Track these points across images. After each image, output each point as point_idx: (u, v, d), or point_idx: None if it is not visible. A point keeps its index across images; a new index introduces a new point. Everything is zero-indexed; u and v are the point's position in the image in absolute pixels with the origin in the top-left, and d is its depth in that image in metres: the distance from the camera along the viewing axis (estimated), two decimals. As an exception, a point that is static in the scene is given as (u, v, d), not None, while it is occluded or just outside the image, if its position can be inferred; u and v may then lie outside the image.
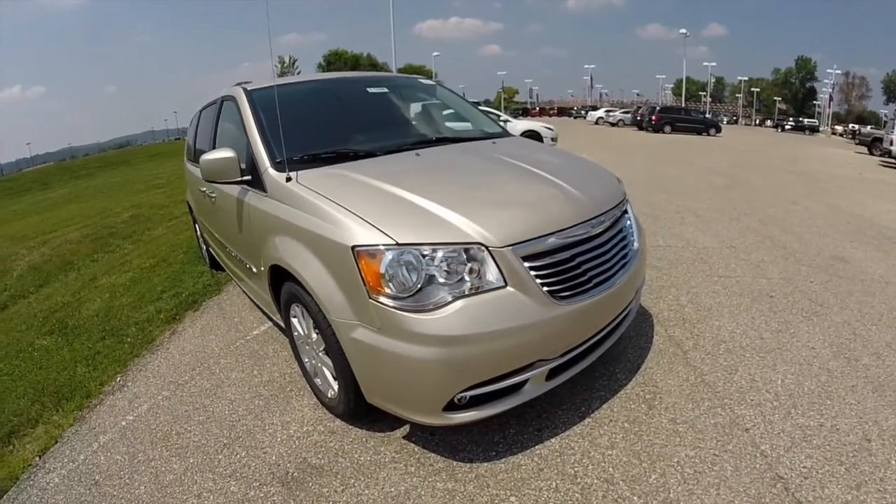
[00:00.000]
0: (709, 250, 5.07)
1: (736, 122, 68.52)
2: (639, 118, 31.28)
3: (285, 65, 50.80)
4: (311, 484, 2.32)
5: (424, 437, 2.53)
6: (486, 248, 2.04)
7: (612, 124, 37.54)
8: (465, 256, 2.03)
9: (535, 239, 2.13)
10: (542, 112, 70.98)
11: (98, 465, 2.64)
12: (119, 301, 4.89)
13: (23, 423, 3.07)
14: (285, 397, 2.97)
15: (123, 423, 2.97)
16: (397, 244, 2.00)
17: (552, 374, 2.26)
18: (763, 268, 4.55)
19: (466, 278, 2.02)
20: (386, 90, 3.65)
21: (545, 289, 2.11)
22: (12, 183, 37.21)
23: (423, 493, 2.20)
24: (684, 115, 30.09)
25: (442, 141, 3.19)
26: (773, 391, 2.69)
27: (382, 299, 2.00)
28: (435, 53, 63.47)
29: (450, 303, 1.98)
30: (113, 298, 5.00)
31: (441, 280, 2.01)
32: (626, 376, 2.86)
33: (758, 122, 68.30)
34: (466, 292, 2.01)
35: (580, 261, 2.26)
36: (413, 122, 3.68)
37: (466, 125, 3.72)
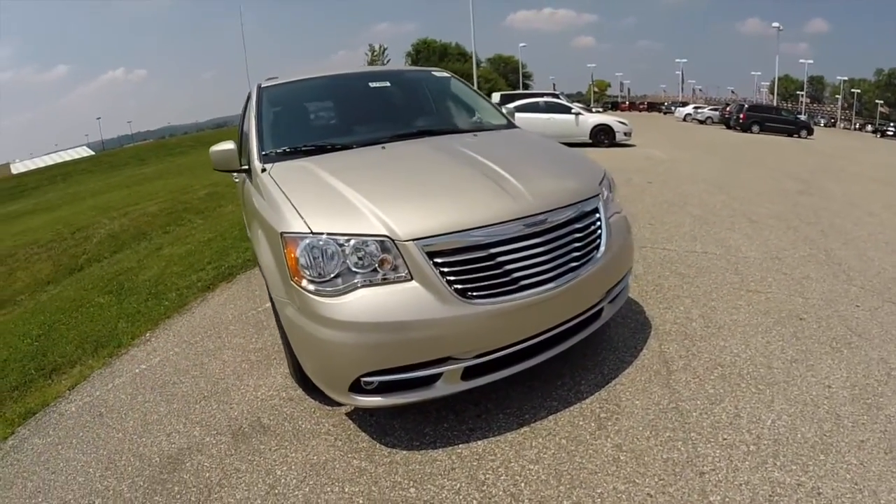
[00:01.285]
0: (748, 261, 4.30)
1: (833, 124, 58.80)
2: (726, 116, 28.36)
3: (375, 53, 51.45)
4: (253, 440, 2.44)
5: (364, 416, 2.50)
6: (393, 241, 1.98)
7: (701, 121, 35.04)
8: (379, 248, 1.99)
9: (442, 235, 2.00)
10: (632, 107, 66.77)
11: (106, 402, 3.00)
12: (171, 269, 5.37)
13: (65, 364, 3.55)
14: (268, 364, 3.13)
15: (136, 370, 3.32)
16: (311, 232, 2.02)
17: (469, 374, 2.10)
18: (804, 285, 3.75)
19: (378, 269, 1.99)
20: (388, 84, 3.62)
21: (454, 286, 1.97)
22: (113, 158, 41.09)
23: (337, 466, 2.20)
24: (774, 115, 26.45)
25: (422, 134, 3.05)
26: (756, 433, 2.18)
27: (301, 281, 2.04)
28: (522, 44, 61.40)
29: (355, 290, 1.97)
30: (167, 266, 5.51)
31: (354, 269, 1.99)
32: (591, 389, 2.51)
33: (857, 126, 58.77)
34: (374, 282, 1.98)
35: (502, 260, 2.05)
36: (407, 115, 3.57)
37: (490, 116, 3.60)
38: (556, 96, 18.24)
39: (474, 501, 1.93)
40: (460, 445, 2.22)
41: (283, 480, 2.17)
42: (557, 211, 2.22)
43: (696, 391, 2.47)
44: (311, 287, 2.01)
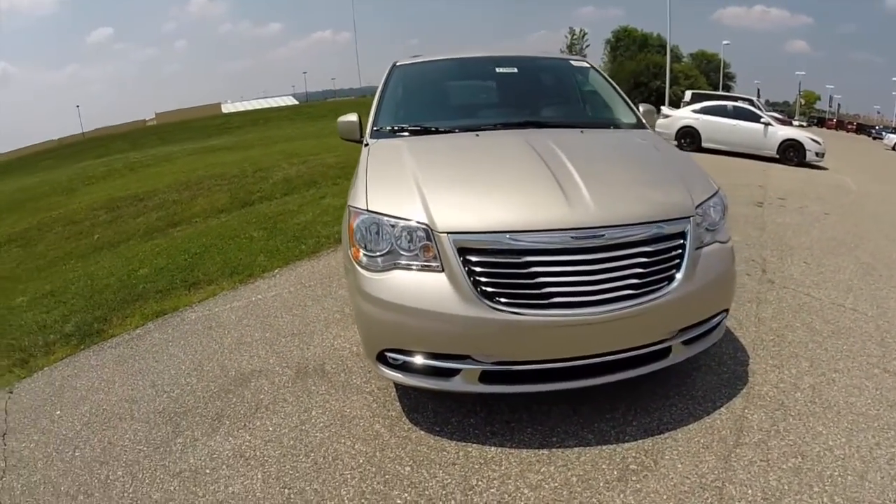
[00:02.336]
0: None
1: None
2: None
3: (575, 36, 50.33)
4: (310, 380, 2.77)
5: (407, 389, 2.58)
6: (431, 230, 1.99)
7: (914, 151, 26.51)
8: (424, 235, 2.03)
9: (476, 232, 1.95)
10: (840, 125, 54.39)
11: (218, 318, 3.65)
12: (322, 218, 6.10)
13: (203, 281, 4.38)
14: (354, 321, 3.33)
15: (253, 298, 3.94)
16: (367, 210, 2.14)
17: (488, 378, 2.04)
18: None
19: (420, 255, 2.04)
20: (515, 70, 3.47)
21: (480, 287, 1.92)
22: (312, 109, 45.00)
23: (360, 424, 2.39)
24: None
25: (527, 124, 2.92)
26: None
27: (357, 253, 2.18)
28: (725, 42, 53.81)
29: (392, 270, 2.06)
30: (320, 215, 6.27)
31: (401, 251, 2.07)
32: (637, 434, 2.23)
33: None
34: (412, 267, 2.04)
35: (537, 271, 1.91)
36: (523, 104, 3.42)
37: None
38: (751, 102, 15.87)
39: (452, 500, 1.91)
40: (473, 445, 2.19)
41: (313, 420, 2.42)
42: (623, 228, 1.96)
43: (753, 477, 1.97)
44: (362, 260, 2.13)
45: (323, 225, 5.74)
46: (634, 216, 2.01)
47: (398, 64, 3.63)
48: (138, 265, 4.98)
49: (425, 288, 1.98)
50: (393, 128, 3.03)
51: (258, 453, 2.24)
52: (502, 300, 1.91)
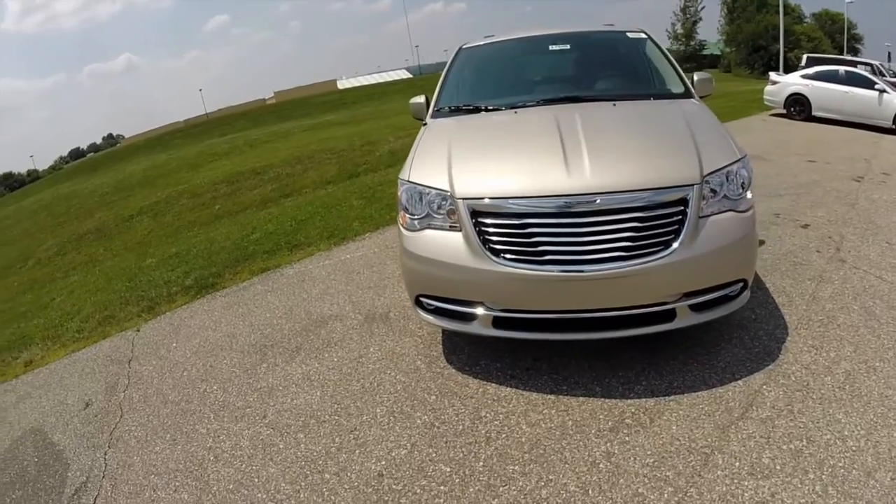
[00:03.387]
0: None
1: None
2: None
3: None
4: (374, 325, 3.26)
5: (451, 335, 2.92)
6: (453, 197, 2.31)
7: None
8: (448, 200, 2.35)
9: (484, 199, 2.24)
10: None
11: (311, 273, 4.32)
12: None
13: (303, 243, 5.08)
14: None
15: (342, 258, 4.54)
16: (408, 180, 2.53)
17: (500, 323, 2.33)
18: None
19: (448, 217, 2.38)
20: (567, 47, 3.62)
21: (488, 245, 2.21)
22: (424, 82, 44.28)
23: (405, 360, 2.82)
24: None
25: (567, 100, 3.07)
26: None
27: (403, 217, 2.58)
28: (848, 0, 44.74)
29: (425, 230, 2.44)
30: None
31: (434, 214, 2.43)
32: (642, 393, 2.32)
33: None
34: (441, 227, 2.39)
35: (533, 231, 2.16)
36: (570, 79, 3.59)
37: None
38: (872, 67, 13.42)
39: (461, 426, 2.26)
40: (492, 384, 2.49)
41: (369, 355, 2.90)
42: (615, 195, 2.11)
43: (746, 451, 1.95)
44: (406, 223, 2.54)
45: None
46: (628, 184, 2.14)
47: (464, 47, 3.91)
48: (251, 231, 5.85)
49: (447, 244, 2.32)
50: (450, 107, 3.33)
51: (321, 377, 2.76)
52: (506, 256, 2.19)
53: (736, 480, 1.84)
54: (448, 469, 2.03)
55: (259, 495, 2.05)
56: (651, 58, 3.52)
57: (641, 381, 2.38)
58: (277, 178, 9.17)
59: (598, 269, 2.07)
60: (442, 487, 1.95)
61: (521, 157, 2.47)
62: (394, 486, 1.98)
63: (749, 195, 2.36)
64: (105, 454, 2.48)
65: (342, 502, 1.95)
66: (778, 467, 1.87)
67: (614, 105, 2.93)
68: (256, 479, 2.13)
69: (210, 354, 3.20)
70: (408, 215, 2.50)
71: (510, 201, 2.20)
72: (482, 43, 3.92)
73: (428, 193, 2.41)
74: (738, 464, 1.91)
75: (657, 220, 2.12)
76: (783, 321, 2.77)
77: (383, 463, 2.11)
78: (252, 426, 2.46)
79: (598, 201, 2.10)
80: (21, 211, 20.18)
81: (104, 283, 5.35)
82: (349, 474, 2.08)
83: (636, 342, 2.55)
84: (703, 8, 46.74)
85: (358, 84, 63.85)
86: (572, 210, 2.11)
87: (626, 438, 2.07)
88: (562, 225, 2.12)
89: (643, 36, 3.63)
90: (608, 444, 2.05)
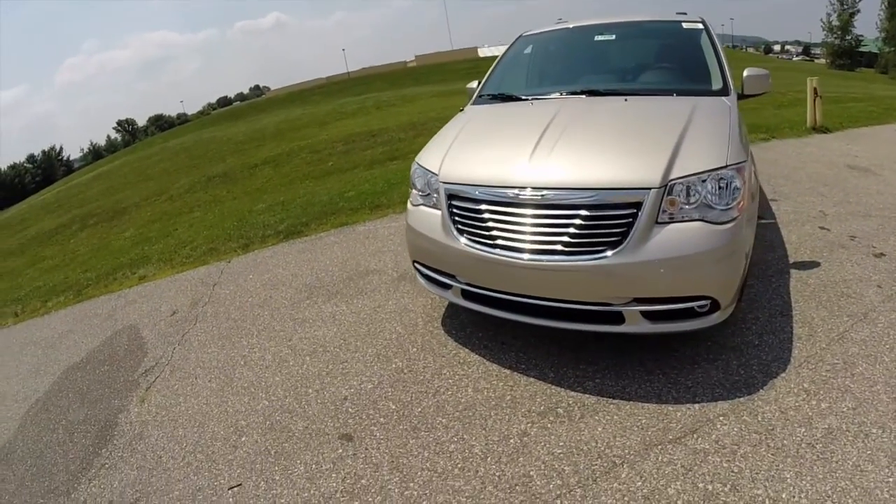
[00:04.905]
0: None
1: None
2: None
3: None
4: (403, 283, 3.72)
5: (455, 305, 3.14)
6: (437, 179, 2.61)
7: None
8: (436, 182, 2.65)
9: (455, 184, 2.49)
10: None
11: (376, 233, 4.91)
12: None
13: (383, 205, 5.64)
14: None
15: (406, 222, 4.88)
16: (417, 163, 2.85)
17: (468, 296, 2.59)
18: None
19: (433, 196, 2.69)
20: (612, 38, 3.57)
21: (456, 224, 2.48)
22: None
23: (409, 315, 3.22)
24: None
25: (588, 93, 3.09)
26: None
27: (412, 194, 2.93)
28: None
29: (419, 207, 2.79)
30: None
31: (430, 193, 2.73)
32: (595, 388, 2.37)
33: None
34: (431, 205, 2.71)
35: (488, 217, 2.34)
36: (602, 72, 3.54)
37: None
38: None
39: (422, 377, 2.62)
40: (466, 350, 2.78)
41: (385, 307, 3.38)
42: (562, 191, 2.18)
43: (654, 475, 1.89)
44: (411, 199, 2.90)
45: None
46: (578, 182, 2.18)
47: (523, 35, 4.03)
48: (349, 189, 6.60)
49: (430, 220, 2.64)
50: (490, 95, 3.53)
51: (342, 318, 3.33)
52: (467, 236, 2.43)
53: (626, 499, 1.82)
54: (393, 407, 2.43)
55: (260, 394, 2.70)
56: (699, 50, 3.25)
57: (596, 377, 2.44)
58: (389, 141, 9.98)
59: (536, 259, 2.20)
60: (381, 419, 2.36)
61: (501, 147, 2.63)
62: (349, 409, 2.45)
63: (736, 208, 2.17)
64: (174, 349, 3.36)
65: (311, 410, 2.50)
66: (678, 503, 1.79)
67: (626, 100, 2.88)
68: (263, 384, 2.78)
69: (272, 287, 3.95)
70: (413, 192, 2.85)
71: (474, 188, 2.41)
72: (539, 31, 4.00)
73: (426, 174, 2.72)
74: (639, 484, 1.87)
75: (602, 220, 2.14)
76: (788, 355, 2.45)
77: (352, 391, 2.58)
78: (278, 345, 3.13)
79: (544, 195, 2.20)
80: (165, 151, 22.70)
81: (218, 220, 6.63)
82: (324, 393, 2.61)
83: (616, 340, 2.59)
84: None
85: (499, 53, 63.74)
86: (521, 202, 2.25)
87: (548, 425, 2.20)
88: (511, 214, 2.28)
89: (699, 26, 3.37)
90: (528, 425, 2.21)
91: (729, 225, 2.15)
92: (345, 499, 1.98)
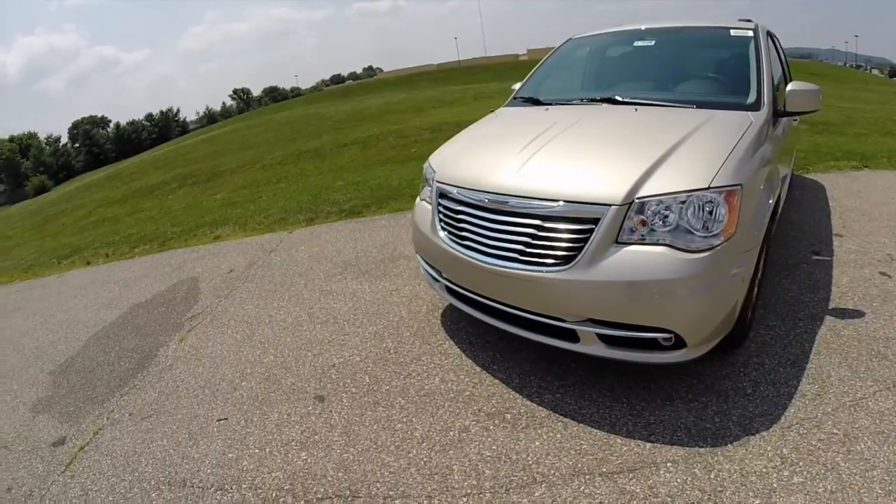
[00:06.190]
0: None
1: None
2: None
3: None
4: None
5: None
6: (434, 177, 2.78)
7: None
8: (433, 179, 2.82)
9: (445, 184, 2.62)
10: None
11: (404, 221, 4.89)
12: None
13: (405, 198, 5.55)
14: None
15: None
16: (429, 162, 3.02)
17: (452, 294, 2.74)
18: None
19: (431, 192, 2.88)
20: (651, 44, 3.44)
21: (441, 222, 2.64)
22: None
23: (417, 302, 3.45)
24: None
25: (605, 101, 3.07)
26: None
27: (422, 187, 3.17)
28: None
29: (421, 202, 3.01)
30: None
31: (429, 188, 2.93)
32: (547, 403, 2.39)
33: None
34: (427, 200, 2.91)
35: (463, 218, 2.47)
36: (629, 80, 3.47)
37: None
38: None
39: (403, 359, 2.84)
40: (451, 342, 2.94)
41: (399, 291, 3.66)
42: (524, 199, 2.22)
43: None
44: (420, 193, 3.11)
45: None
46: (539, 192, 2.19)
47: (572, 38, 4.03)
48: (419, 176, 6.84)
49: (424, 216, 2.83)
50: (523, 98, 3.62)
51: (360, 295, 3.68)
52: (446, 233, 2.58)
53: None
54: (367, 381, 2.69)
55: (270, 350, 3.13)
56: (742, 60, 3.01)
57: (558, 392, 2.44)
58: (472, 131, 10.12)
59: (495, 263, 2.27)
60: (353, 390, 2.64)
61: (491, 152, 2.71)
62: (332, 375, 2.77)
63: (718, 236, 2.02)
64: (219, 302, 3.94)
65: (303, 370, 2.86)
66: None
67: (636, 110, 2.80)
68: (276, 342, 3.21)
69: (315, 260, 4.41)
70: (424, 187, 3.04)
71: (455, 189, 2.52)
72: (587, 35, 3.95)
73: (429, 171, 2.89)
74: None
75: (556, 232, 2.14)
76: (781, 413, 2.18)
77: (341, 360, 2.90)
78: (301, 311, 3.55)
79: (509, 203, 2.25)
80: (271, 122, 23.90)
81: (297, 193, 7.30)
82: (319, 358, 2.95)
83: (595, 362, 2.53)
84: None
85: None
86: (489, 206, 2.33)
87: (490, 427, 2.28)
88: (480, 217, 2.37)
89: (748, 34, 3.12)
90: (472, 423, 2.32)
91: (704, 254, 2.00)
92: (297, 448, 2.30)
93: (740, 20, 3.41)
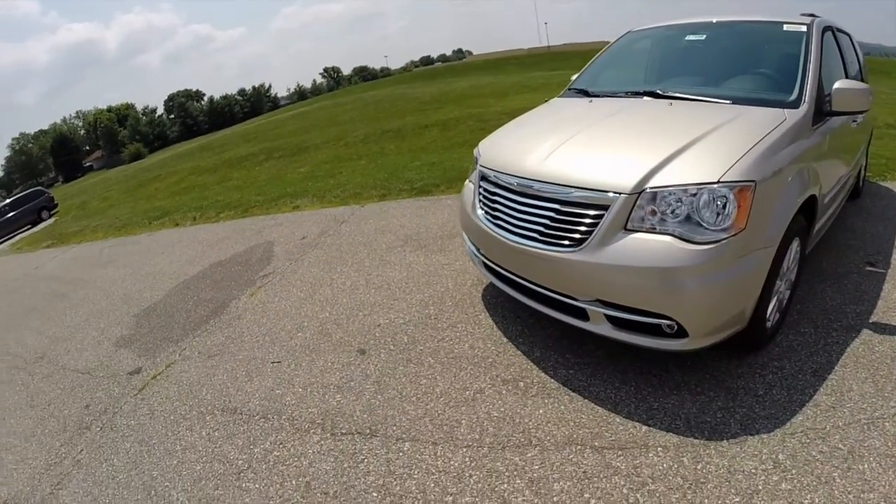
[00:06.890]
0: None
1: None
2: None
3: None
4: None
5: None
6: (479, 161, 2.98)
7: None
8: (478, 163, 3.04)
9: (486, 168, 2.80)
10: None
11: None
12: None
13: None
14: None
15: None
16: (478, 146, 3.20)
17: (488, 268, 2.90)
18: None
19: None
20: (702, 38, 3.40)
21: (481, 201, 2.83)
22: None
23: (465, 275, 3.67)
24: None
25: (646, 94, 3.08)
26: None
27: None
28: None
29: (468, 182, 3.20)
30: None
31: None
32: (570, 378, 2.50)
33: None
34: (473, 181, 3.08)
35: (497, 199, 2.65)
36: (675, 74, 3.43)
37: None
38: None
39: (437, 325, 3.08)
40: (485, 314, 3.12)
41: (451, 264, 3.90)
42: (546, 184, 2.35)
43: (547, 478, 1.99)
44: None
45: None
46: (560, 178, 2.31)
47: (632, 30, 3.99)
48: (490, 158, 7.03)
49: (469, 196, 3.02)
50: (577, 89, 3.65)
51: (415, 267, 3.97)
52: (483, 212, 2.76)
53: (514, 475, 2.00)
54: (405, 340, 2.98)
55: (327, 308, 3.53)
56: (792, 56, 2.87)
57: (572, 369, 2.54)
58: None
59: (518, 241, 2.43)
60: (392, 347, 2.93)
61: (529, 139, 2.82)
62: (376, 333, 3.09)
63: (724, 229, 2.03)
64: (289, 265, 4.43)
65: (352, 327, 3.22)
66: (556, 500, 1.89)
67: (670, 104, 2.79)
68: (333, 301, 3.61)
69: (380, 232, 4.77)
70: (471, 170, 3.21)
71: (492, 173, 2.70)
72: (646, 28, 3.90)
73: (477, 155, 3.08)
74: (536, 467, 2.02)
75: (571, 216, 2.27)
76: (788, 419, 2.10)
77: (386, 321, 3.22)
78: (358, 276, 3.93)
79: (534, 186, 2.40)
80: (358, 101, 25.00)
81: (375, 171, 7.73)
82: (369, 318, 3.30)
83: (614, 346, 2.53)
84: None
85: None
86: (517, 189, 2.49)
87: (503, 392, 2.46)
88: (510, 199, 2.53)
89: (801, 29, 2.92)
90: (487, 386, 2.51)
91: (709, 246, 2.02)
92: (334, 390, 2.65)
93: (802, 14, 3.23)
